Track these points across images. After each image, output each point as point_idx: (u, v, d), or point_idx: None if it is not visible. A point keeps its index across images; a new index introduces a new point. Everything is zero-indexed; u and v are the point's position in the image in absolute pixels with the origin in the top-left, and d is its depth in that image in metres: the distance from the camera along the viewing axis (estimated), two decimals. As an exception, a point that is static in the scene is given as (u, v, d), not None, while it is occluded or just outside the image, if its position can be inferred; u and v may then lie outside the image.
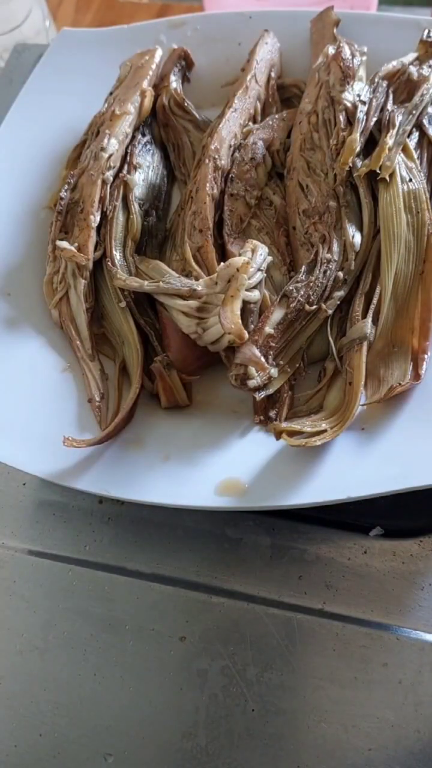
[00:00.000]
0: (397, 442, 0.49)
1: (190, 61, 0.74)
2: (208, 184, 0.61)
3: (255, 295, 0.53)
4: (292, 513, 0.54)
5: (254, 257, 0.52)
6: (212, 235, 0.59)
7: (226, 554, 0.54)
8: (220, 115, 0.67)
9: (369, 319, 0.53)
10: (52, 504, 0.58)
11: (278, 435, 0.49)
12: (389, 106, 0.60)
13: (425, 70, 0.62)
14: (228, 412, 0.55)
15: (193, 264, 0.57)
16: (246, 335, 0.51)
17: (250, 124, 0.67)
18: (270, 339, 0.52)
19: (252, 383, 0.51)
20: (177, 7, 1.08)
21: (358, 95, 0.61)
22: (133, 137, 0.67)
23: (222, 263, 0.52)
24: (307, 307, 0.54)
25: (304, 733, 0.47)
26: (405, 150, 0.58)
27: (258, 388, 0.51)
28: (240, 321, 0.50)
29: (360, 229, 0.57)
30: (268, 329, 0.52)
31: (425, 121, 0.60)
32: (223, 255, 0.59)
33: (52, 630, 0.53)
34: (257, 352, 0.51)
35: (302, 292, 0.54)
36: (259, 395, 0.51)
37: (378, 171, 0.57)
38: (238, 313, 0.50)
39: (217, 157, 0.62)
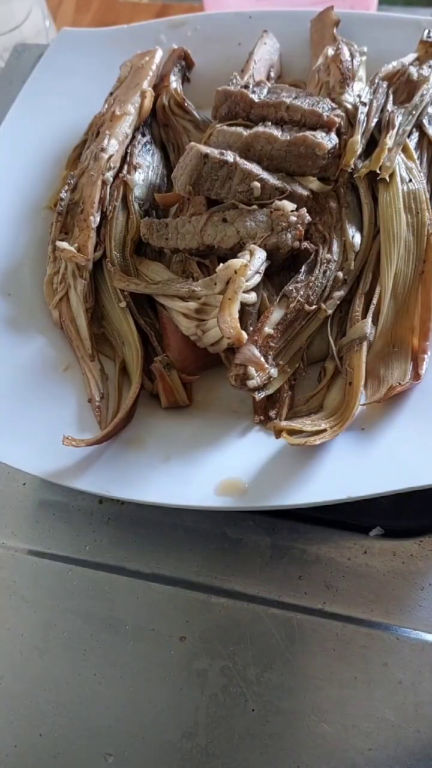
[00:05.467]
0: (397, 442, 0.49)
1: (190, 61, 0.74)
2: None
3: (252, 297, 0.53)
4: (292, 513, 0.54)
5: (252, 260, 0.52)
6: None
7: (226, 554, 0.54)
8: (220, 115, 0.67)
9: (369, 319, 0.53)
10: (52, 504, 0.58)
11: (278, 434, 0.49)
12: (389, 106, 0.60)
13: (425, 71, 0.62)
14: (228, 412, 0.55)
15: (194, 265, 0.58)
16: (245, 338, 0.51)
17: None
18: (270, 339, 0.52)
19: (252, 383, 0.51)
20: (177, 7, 1.08)
21: (359, 96, 0.61)
22: (133, 137, 0.67)
23: (221, 264, 0.52)
24: (306, 307, 0.54)
25: (304, 733, 0.47)
26: (405, 150, 0.58)
27: (258, 388, 0.51)
28: (238, 325, 0.50)
29: (360, 229, 0.57)
30: (268, 329, 0.52)
31: (425, 122, 0.60)
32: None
33: (52, 630, 0.53)
34: (257, 353, 0.51)
35: (302, 293, 0.54)
36: (259, 395, 0.51)
37: (378, 171, 0.57)
38: (236, 316, 0.51)
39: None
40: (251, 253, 0.53)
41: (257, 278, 0.53)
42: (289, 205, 0.55)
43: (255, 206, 0.55)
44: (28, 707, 0.50)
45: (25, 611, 0.53)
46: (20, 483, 0.59)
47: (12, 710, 0.50)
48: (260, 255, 0.53)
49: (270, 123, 0.59)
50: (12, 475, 0.59)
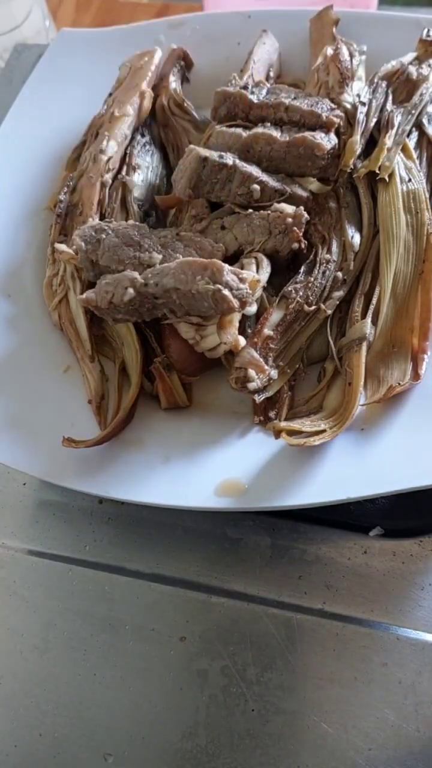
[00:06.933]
0: (397, 442, 0.49)
1: (190, 61, 0.74)
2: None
3: (254, 308, 0.53)
4: (292, 513, 0.54)
5: (261, 273, 0.53)
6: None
7: (226, 554, 0.54)
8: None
9: (368, 320, 0.53)
10: (52, 504, 0.58)
11: (277, 434, 0.49)
12: (388, 106, 0.60)
13: (424, 70, 0.62)
14: (228, 412, 0.55)
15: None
16: (242, 344, 0.51)
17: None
18: (269, 341, 0.52)
19: (252, 386, 0.51)
20: (177, 7, 1.07)
21: (358, 96, 0.61)
22: (133, 138, 0.67)
23: None
24: (306, 307, 0.54)
25: (304, 733, 0.47)
26: (404, 150, 0.58)
27: (258, 391, 0.51)
28: (237, 335, 0.51)
29: (359, 229, 0.57)
30: (267, 331, 0.52)
31: (424, 121, 0.60)
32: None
33: (52, 630, 0.53)
34: (256, 355, 0.51)
35: (301, 293, 0.54)
36: (259, 397, 0.51)
37: (377, 171, 0.57)
38: (236, 325, 0.51)
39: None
40: (258, 264, 0.53)
41: (259, 290, 0.53)
42: (288, 208, 0.55)
43: (251, 210, 0.55)
44: (28, 707, 0.50)
45: (25, 611, 0.54)
46: (20, 483, 0.59)
47: (12, 710, 0.51)
48: (267, 266, 0.53)
49: (269, 124, 0.59)
50: (12, 475, 0.59)
